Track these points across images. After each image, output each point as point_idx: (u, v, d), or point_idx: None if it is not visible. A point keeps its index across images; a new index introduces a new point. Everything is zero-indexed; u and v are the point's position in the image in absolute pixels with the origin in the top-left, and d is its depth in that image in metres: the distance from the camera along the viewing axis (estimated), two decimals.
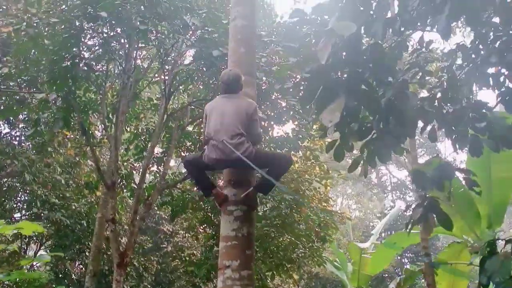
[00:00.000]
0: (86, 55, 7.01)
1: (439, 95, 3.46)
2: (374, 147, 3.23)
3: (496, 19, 3.19)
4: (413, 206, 3.46)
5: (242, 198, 3.10)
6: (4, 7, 8.88)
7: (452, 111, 3.36)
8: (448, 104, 3.46)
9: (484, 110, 3.25)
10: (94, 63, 7.15)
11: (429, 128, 3.56)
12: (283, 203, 7.99)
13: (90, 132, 8.95)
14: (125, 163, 9.66)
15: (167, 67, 7.77)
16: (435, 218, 3.31)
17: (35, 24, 6.08)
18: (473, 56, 3.51)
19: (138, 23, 5.86)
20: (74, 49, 6.28)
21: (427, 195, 3.40)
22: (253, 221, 3.19)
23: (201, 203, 9.20)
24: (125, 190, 9.55)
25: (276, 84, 5.75)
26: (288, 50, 5.82)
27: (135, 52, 7.88)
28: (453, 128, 3.36)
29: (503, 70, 3.34)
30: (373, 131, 3.25)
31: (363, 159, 3.58)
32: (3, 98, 8.19)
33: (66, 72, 6.06)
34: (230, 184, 3.19)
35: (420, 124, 3.45)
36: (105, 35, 6.67)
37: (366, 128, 3.19)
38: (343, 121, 2.89)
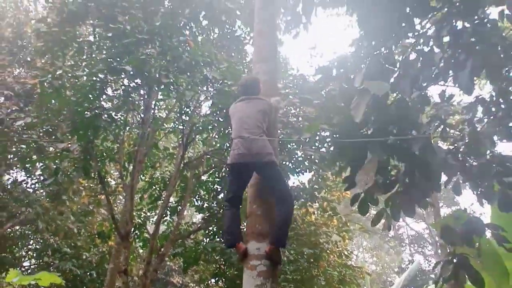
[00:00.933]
0: (106, 105, 7.21)
1: (462, 148, 3.45)
2: (399, 200, 3.17)
3: None
4: (442, 262, 3.33)
5: (265, 253, 3.02)
6: (29, 59, 9.35)
7: (477, 165, 3.33)
8: (472, 157, 3.43)
9: (508, 164, 3.22)
10: (113, 113, 7.33)
11: (452, 181, 3.51)
12: (300, 257, 7.73)
13: (106, 180, 9.00)
14: (138, 212, 9.59)
15: (184, 117, 7.93)
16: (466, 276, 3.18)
17: (57, 75, 6.33)
18: (493, 109, 3.53)
19: (158, 75, 6.07)
20: (96, 101, 6.47)
21: (455, 251, 3.28)
22: (276, 277, 3.08)
23: (214, 255, 8.97)
24: (137, 240, 9.39)
25: (294, 134, 5.80)
26: (305, 102, 5.94)
27: (153, 102, 8.10)
28: (478, 182, 3.31)
29: None
30: (397, 184, 3.21)
31: (386, 212, 3.50)
32: (23, 146, 8.38)
33: (88, 122, 6.21)
34: (253, 237, 3.12)
35: (444, 177, 3.41)
36: (125, 86, 6.89)
37: (390, 181, 3.16)
38: None
